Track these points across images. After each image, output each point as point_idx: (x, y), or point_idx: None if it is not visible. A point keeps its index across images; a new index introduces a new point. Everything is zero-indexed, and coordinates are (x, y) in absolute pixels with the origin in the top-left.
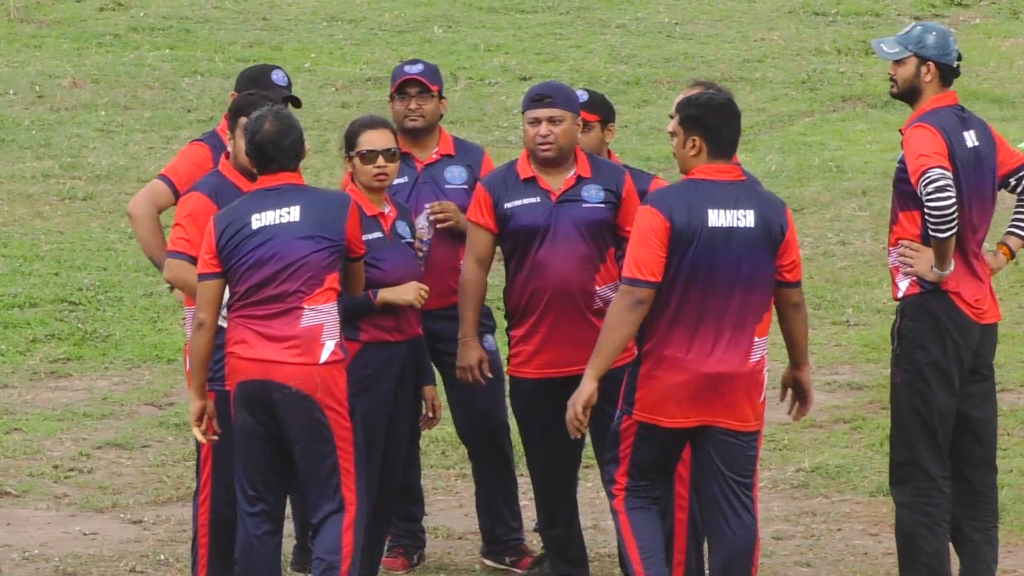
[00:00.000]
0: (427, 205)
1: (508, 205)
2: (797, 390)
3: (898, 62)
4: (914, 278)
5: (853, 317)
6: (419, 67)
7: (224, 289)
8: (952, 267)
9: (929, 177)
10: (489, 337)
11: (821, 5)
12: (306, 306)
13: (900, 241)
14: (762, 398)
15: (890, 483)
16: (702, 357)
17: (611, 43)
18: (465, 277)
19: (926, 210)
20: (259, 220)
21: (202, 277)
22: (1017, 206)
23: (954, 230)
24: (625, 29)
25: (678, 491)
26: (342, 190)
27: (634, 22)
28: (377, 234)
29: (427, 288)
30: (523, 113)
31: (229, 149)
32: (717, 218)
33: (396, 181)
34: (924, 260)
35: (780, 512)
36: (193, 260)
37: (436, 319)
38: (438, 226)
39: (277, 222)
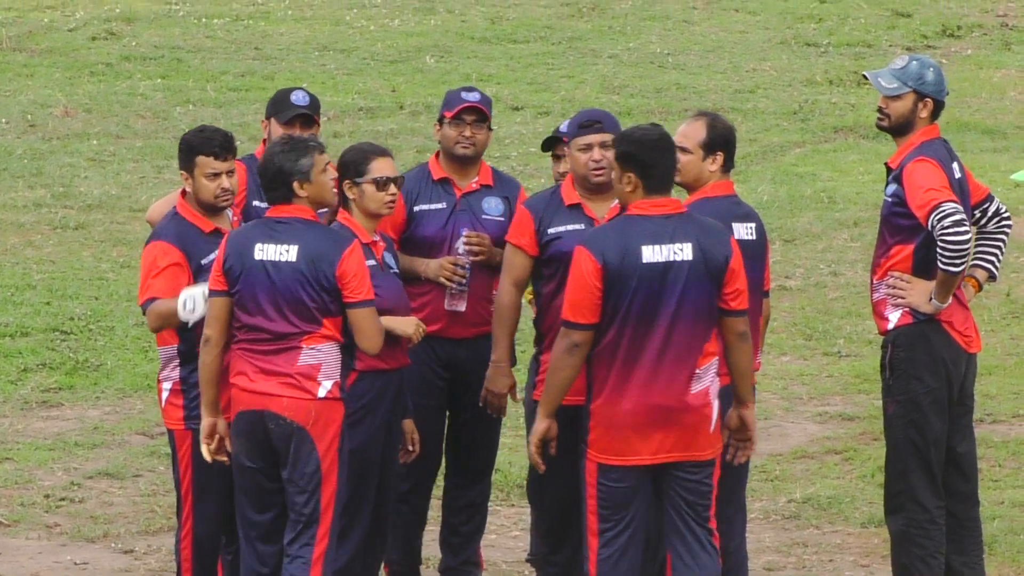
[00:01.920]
0: (464, 231)
1: (552, 230)
2: (740, 432)
3: (894, 97)
4: (906, 309)
5: (844, 348)
6: (477, 95)
7: (231, 308)
8: (950, 300)
9: (943, 211)
10: None
11: (813, 36)
12: (304, 345)
13: (891, 273)
14: (712, 427)
15: (885, 512)
16: (646, 391)
17: (603, 73)
18: (502, 300)
19: (941, 244)
20: (261, 252)
21: (211, 293)
22: (980, 238)
23: (967, 264)
24: (617, 59)
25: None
26: (343, 226)
27: (626, 52)
28: (371, 262)
29: (424, 326)
30: (569, 141)
31: (187, 189)
32: (652, 254)
33: (434, 206)
34: (919, 292)
35: (772, 543)
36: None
37: (460, 349)
38: (471, 258)
39: (276, 259)
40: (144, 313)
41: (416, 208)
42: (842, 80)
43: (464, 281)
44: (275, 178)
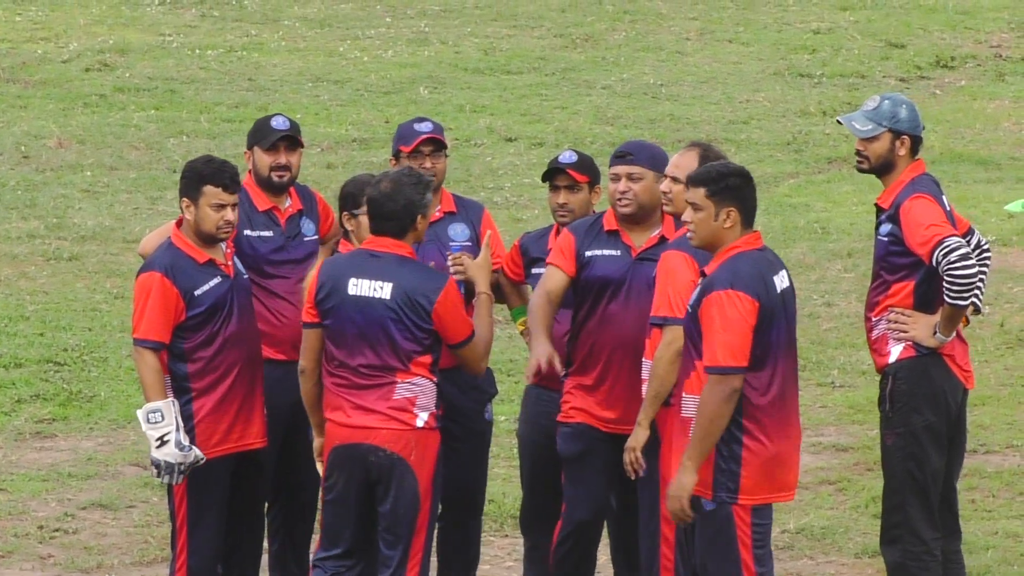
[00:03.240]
0: (448, 255)
1: (589, 253)
2: None
3: (870, 138)
4: (908, 343)
5: (838, 379)
6: (430, 125)
7: (323, 339)
8: (954, 333)
9: (948, 246)
10: (489, 407)
11: (806, 67)
12: (399, 380)
13: (891, 308)
14: None
15: (880, 543)
16: (798, 421)
17: (597, 104)
18: (534, 302)
19: (949, 279)
20: (355, 287)
21: (304, 326)
22: None
23: (973, 297)
24: (611, 90)
25: (663, 552)
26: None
27: (619, 83)
28: None
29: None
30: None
31: (187, 217)
32: (779, 283)
33: None
34: (923, 326)
35: None
36: (158, 346)
37: (447, 379)
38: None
39: (370, 295)
40: (134, 346)
41: None
42: (836, 111)
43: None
44: (403, 209)
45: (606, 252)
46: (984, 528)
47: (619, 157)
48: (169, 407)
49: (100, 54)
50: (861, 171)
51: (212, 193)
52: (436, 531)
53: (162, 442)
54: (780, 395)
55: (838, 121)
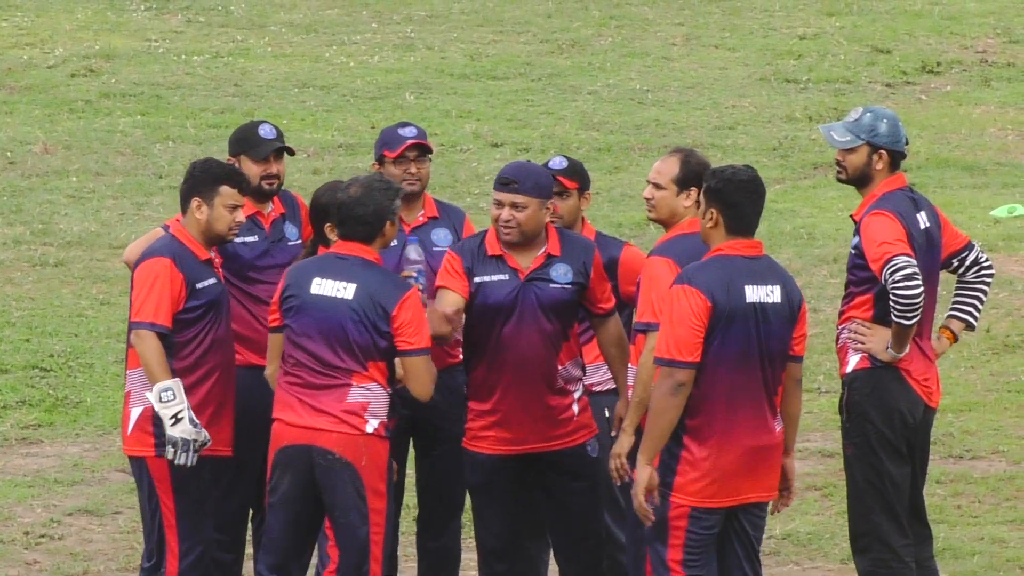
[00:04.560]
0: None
1: (477, 279)
2: (782, 481)
3: (848, 149)
4: (864, 354)
5: (824, 384)
6: (415, 130)
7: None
8: (907, 350)
9: (895, 265)
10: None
11: (792, 72)
12: (354, 383)
13: (852, 319)
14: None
15: (852, 552)
16: (747, 433)
17: (583, 110)
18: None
19: (893, 297)
20: (319, 287)
21: (270, 330)
22: (957, 288)
23: (919, 316)
24: (597, 96)
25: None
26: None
27: (606, 89)
28: None
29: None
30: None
31: (198, 216)
32: (752, 294)
33: None
34: (878, 339)
35: None
36: (162, 330)
37: None
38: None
39: (333, 294)
40: (132, 330)
41: None
42: (822, 117)
43: (421, 290)
44: (373, 214)
45: (494, 278)
46: (970, 534)
47: (504, 184)
48: (179, 385)
49: (86, 60)
50: (840, 181)
51: (229, 194)
52: (416, 532)
53: (176, 419)
54: (726, 403)
55: (820, 129)
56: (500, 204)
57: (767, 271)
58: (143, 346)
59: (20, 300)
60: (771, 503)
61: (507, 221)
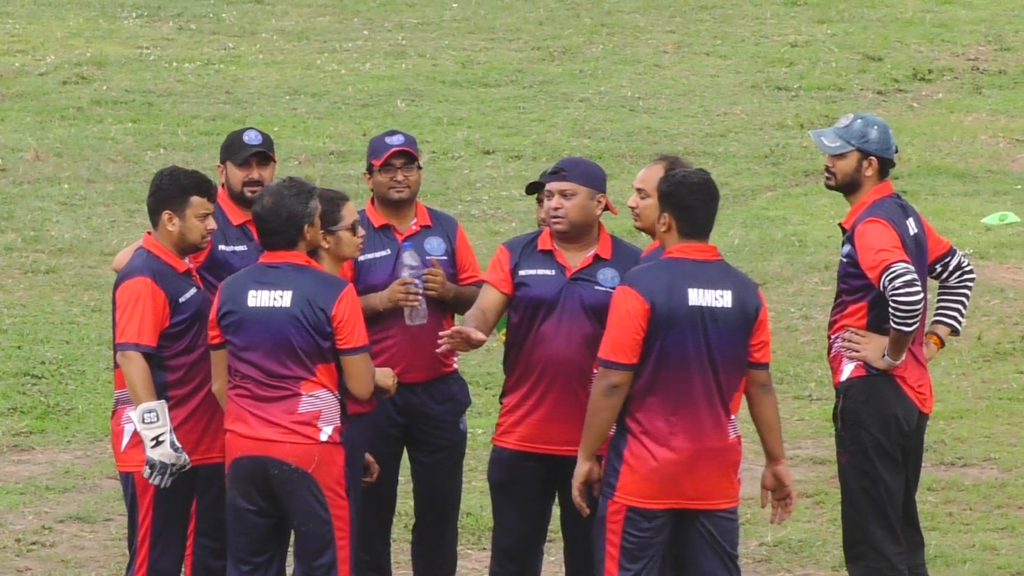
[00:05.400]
0: (426, 272)
1: (523, 272)
2: (778, 490)
3: (838, 155)
4: (859, 362)
5: (815, 392)
6: (401, 138)
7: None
8: (904, 357)
9: (895, 271)
10: (463, 418)
11: (784, 80)
12: (303, 392)
13: (846, 328)
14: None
15: (845, 560)
16: (687, 436)
17: (574, 117)
18: (470, 314)
19: (893, 305)
20: (255, 299)
21: (211, 347)
22: (941, 293)
23: (918, 323)
24: (588, 103)
25: None
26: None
27: (597, 96)
28: None
29: (396, 378)
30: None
31: (170, 228)
32: (697, 297)
33: (378, 254)
34: (874, 347)
35: None
36: (147, 350)
37: (418, 393)
38: (426, 292)
39: (270, 304)
40: (118, 351)
41: (361, 258)
42: (813, 124)
43: (420, 294)
44: (286, 222)
45: (540, 272)
46: (961, 541)
47: (552, 173)
48: (163, 408)
49: (77, 67)
50: (828, 187)
51: (199, 203)
52: (412, 540)
53: (157, 442)
54: (666, 403)
55: (810, 134)
56: (550, 194)
57: (718, 275)
58: (129, 367)
59: (11, 307)
60: (775, 512)
61: (556, 209)
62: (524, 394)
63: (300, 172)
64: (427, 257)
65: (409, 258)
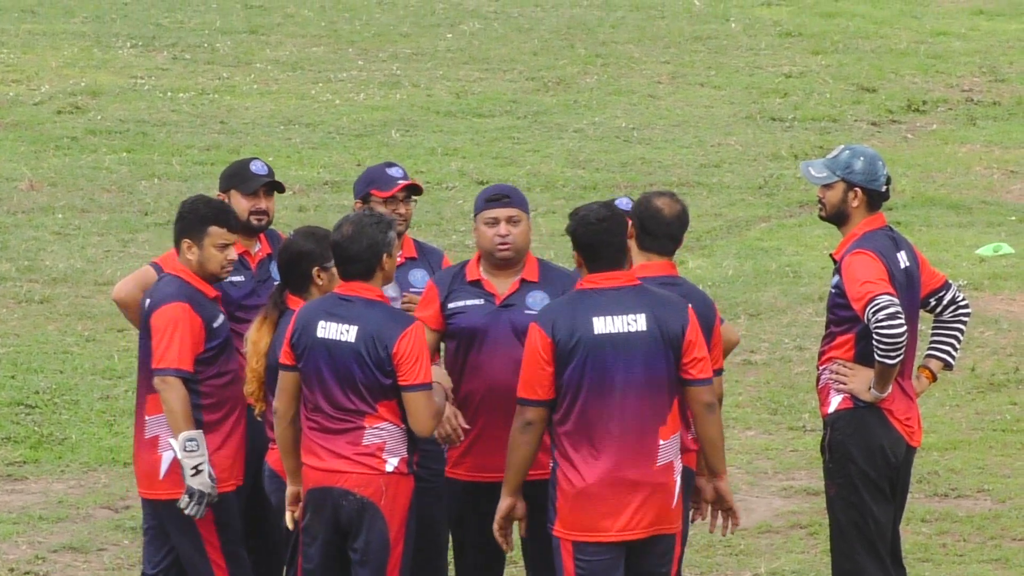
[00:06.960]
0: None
1: (452, 305)
2: (719, 503)
3: (826, 186)
4: (846, 394)
5: (810, 422)
6: (401, 170)
7: (299, 382)
8: (890, 390)
9: (878, 304)
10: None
11: (778, 111)
12: (367, 425)
13: (834, 359)
14: (675, 502)
15: None
16: (610, 465)
17: (568, 147)
18: None
19: (876, 337)
20: (324, 330)
21: (280, 367)
22: (935, 327)
23: (902, 355)
24: (583, 134)
25: None
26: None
27: (591, 127)
28: None
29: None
30: (477, 215)
31: (190, 257)
32: (604, 325)
33: None
34: (860, 380)
35: None
36: (187, 376)
37: None
38: None
39: (337, 338)
40: (157, 376)
41: None
42: (807, 155)
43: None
44: (367, 250)
45: (469, 302)
46: (955, 572)
47: (494, 200)
48: (202, 437)
49: (72, 96)
50: (821, 218)
51: (218, 233)
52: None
53: (196, 471)
54: (587, 433)
55: (800, 165)
56: (495, 221)
57: (631, 300)
58: (170, 393)
59: (5, 337)
60: (713, 521)
61: (504, 236)
62: (470, 423)
63: (295, 202)
64: (411, 289)
65: (390, 290)
